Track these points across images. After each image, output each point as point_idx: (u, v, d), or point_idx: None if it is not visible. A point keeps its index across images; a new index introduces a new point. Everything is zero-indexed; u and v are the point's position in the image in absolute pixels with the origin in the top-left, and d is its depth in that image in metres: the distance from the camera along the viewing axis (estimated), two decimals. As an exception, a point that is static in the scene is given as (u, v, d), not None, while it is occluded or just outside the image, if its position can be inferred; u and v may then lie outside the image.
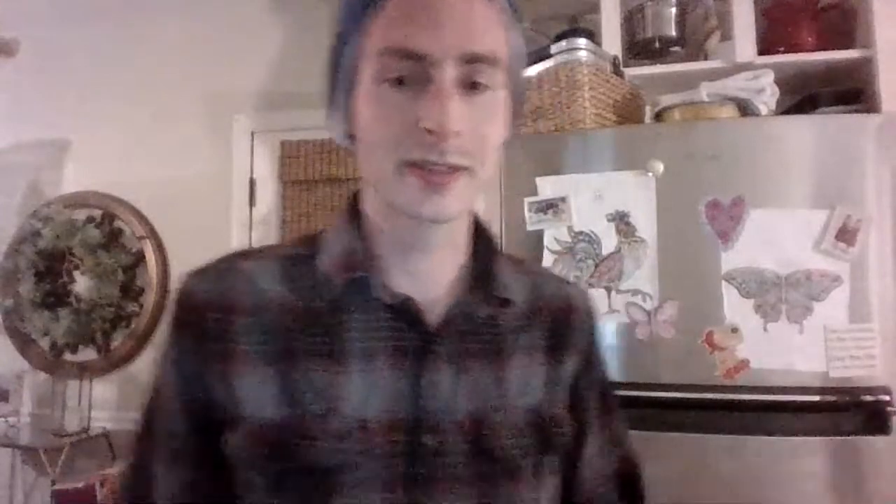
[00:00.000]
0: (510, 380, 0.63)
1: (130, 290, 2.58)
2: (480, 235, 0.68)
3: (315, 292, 0.60)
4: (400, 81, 0.54)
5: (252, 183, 2.50)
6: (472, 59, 0.54)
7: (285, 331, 0.59)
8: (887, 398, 1.23)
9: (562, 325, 0.69)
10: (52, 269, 2.63)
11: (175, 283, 0.63)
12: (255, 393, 0.57)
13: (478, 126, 0.55)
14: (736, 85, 1.48)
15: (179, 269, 2.96)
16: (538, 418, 0.63)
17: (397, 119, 0.54)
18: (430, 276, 0.62)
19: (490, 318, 0.63)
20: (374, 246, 0.62)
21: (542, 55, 1.58)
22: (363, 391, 0.57)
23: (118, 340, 2.59)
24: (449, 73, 0.53)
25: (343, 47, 0.59)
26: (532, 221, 1.41)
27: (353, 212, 0.65)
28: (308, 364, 0.58)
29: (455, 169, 0.55)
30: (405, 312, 0.59)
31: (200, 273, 0.63)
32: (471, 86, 0.55)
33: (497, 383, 0.62)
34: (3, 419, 2.53)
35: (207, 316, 0.59)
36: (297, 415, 0.56)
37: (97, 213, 2.64)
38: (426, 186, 0.55)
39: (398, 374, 0.58)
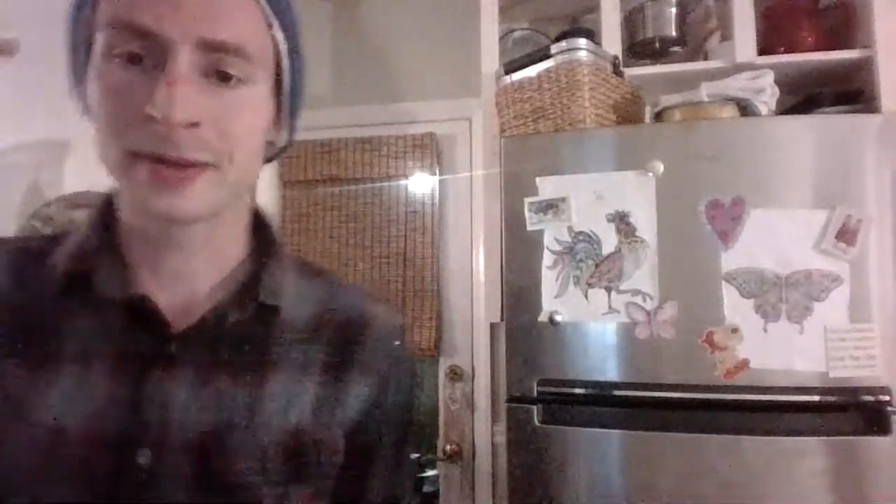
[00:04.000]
0: (266, 397, 0.55)
1: (130, 290, 2.58)
2: (261, 236, 0.62)
3: (37, 286, 0.54)
4: (130, 60, 0.48)
5: (252, 183, 2.50)
6: (215, 48, 0.49)
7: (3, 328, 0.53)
8: (887, 398, 1.23)
9: (350, 341, 0.62)
10: (52, 269, 2.63)
11: None
12: None
13: (223, 120, 0.50)
14: (736, 85, 1.48)
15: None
16: (296, 442, 0.56)
17: (124, 102, 0.48)
18: (185, 279, 0.56)
19: (250, 327, 0.57)
20: (122, 241, 0.56)
21: (542, 55, 1.58)
22: (66, 397, 0.50)
23: (118, 340, 2.59)
24: (184, 58, 0.48)
25: (77, 13, 0.53)
26: (532, 221, 1.41)
27: (107, 204, 0.59)
28: (9, 364, 0.51)
29: (192, 165, 0.49)
30: (138, 314, 0.53)
31: None
32: (220, 77, 0.50)
33: (246, 400, 0.54)
34: (3, 419, 2.53)
35: None
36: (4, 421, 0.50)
37: (97, 213, 2.63)
38: (155, 181, 0.48)
39: (117, 380, 0.52)
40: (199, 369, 0.54)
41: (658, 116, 1.55)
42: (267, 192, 2.50)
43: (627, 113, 1.59)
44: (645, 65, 1.79)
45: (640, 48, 1.82)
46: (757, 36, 1.66)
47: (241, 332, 0.56)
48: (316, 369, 0.59)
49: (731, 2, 1.68)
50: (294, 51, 0.56)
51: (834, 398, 1.24)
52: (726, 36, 1.73)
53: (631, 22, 1.82)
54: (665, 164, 1.33)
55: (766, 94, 1.47)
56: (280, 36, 0.54)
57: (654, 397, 1.31)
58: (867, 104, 1.59)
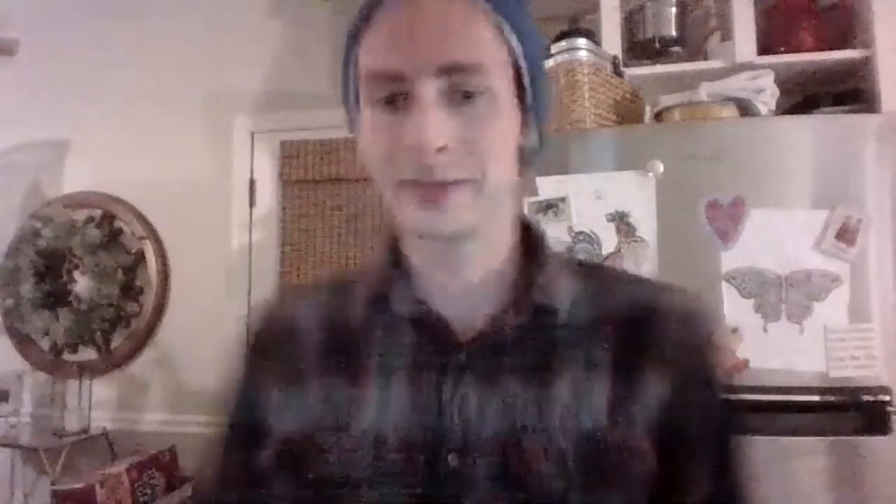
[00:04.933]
0: (556, 398, 0.55)
1: (130, 291, 2.58)
2: (528, 239, 0.64)
3: (350, 312, 0.62)
4: (388, 102, 0.53)
5: (252, 183, 2.50)
6: (451, 70, 0.52)
7: (321, 350, 0.61)
8: (887, 398, 1.23)
9: (637, 334, 0.59)
10: (52, 269, 2.63)
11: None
12: (284, 409, 0.59)
13: (470, 135, 0.52)
14: (736, 85, 1.48)
15: (179, 268, 2.95)
16: (596, 445, 0.54)
17: (386, 139, 0.53)
18: (466, 292, 0.60)
19: (530, 330, 0.58)
20: (409, 263, 0.62)
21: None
22: (379, 407, 0.57)
23: (118, 340, 2.59)
24: (428, 88, 0.52)
25: (344, 70, 0.59)
26: (532, 221, 1.41)
27: (394, 229, 0.65)
28: (330, 380, 0.59)
29: (451, 183, 0.53)
30: (428, 326, 0.58)
31: (272, 300, 0.69)
32: (462, 95, 0.52)
33: (536, 402, 0.55)
34: (3, 419, 2.53)
35: (271, 340, 0.64)
36: (311, 429, 0.57)
37: (97, 213, 2.64)
38: (421, 204, 0.53)
39: (418, 390, 0.57)
40: (488, 375, 0.56)
41: (658, 116, 1.55)
42: (267, 193, 2.50)
43: (627, 113, 1.59)
44: (645, 65, 1.79)
45: (640, 48, 1.82)
46: (757, 36, 1.66)
47: (521, 336, 0.58)
48: (605, 370, 0.58)
49: (731, 2, 1.68)
50: (531, 51, 0.57)
51: (834, 398, 1.24)
52: (726, 36, 1.73)
53: (631, 22, 1.82)
54: (665, 164, 1.33)
55: (766, 94, 1.47)
56: (514, 40, 0.55)
57: (654, 397, 1.31)
58: (867, 104, 1.59)
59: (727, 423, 0.64)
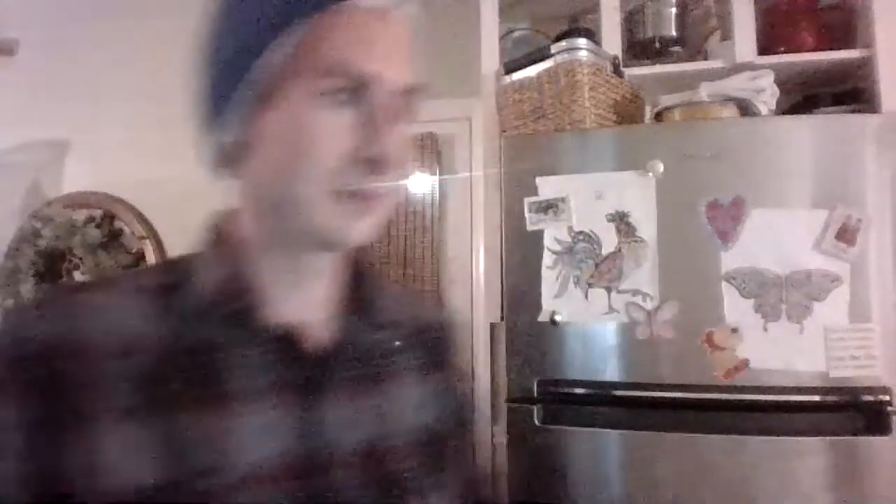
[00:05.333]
0: (396, 403, 0.61)
1: (130, 290, 2.58)
2: (355, 255, 0.65)
3: (186, 328, 0.53)
4: (334, 103, 0.51)
5: (252, 183, 2.50)
6: (406, 90, 0.54)
7: (154, 377, 0.50)
8: (887, 398, 1.23)
9: (437, 346, 0.70)
10: (52, 269, 2.63)
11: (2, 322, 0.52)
12: (123, 457, 0.48)
13: (399, 153, 0.53)
14: (736, 85, 1.48)
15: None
16: (429, 439, 0.62)
17: (333, 145, 0.51)
18: (315, 305, 0.59)
19: (372, 343, 0.62)
20: (254, 274, 0.57)
21: (542, 55, 1.58)
22: (252, 437, 0.52)
23: (118, 340, 2.59)
24: (388, 101, 0.52)
25: (253, 57, 0.52)
26: (532, 221, 1.41)
27: (224, 235, 0.60)
28: (184, 414, 0.50)
29: (380, 195, 0.54)
30: (287, 344, 0.55)
31: (37, 310, 0.53)
32: (397, 114, 0.54)
33: (383, 409, 0.60)
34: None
35: (53, 365, 0.48)
36: (174, 476, 0.48)
37: (97, 213, 2.64)
38: (357, 214, 0.53)
39: (287, 411, 0.54)
40: (342, 388, 0.57)
41: (658, 116, 1.55)
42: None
43: (627, 113, 1.59)
44: (645, 65, 1.79)
45: (640, 48, 1.82)
46: (757, 36, 1.66)
47: (366, 350, 0.61)
48: (423, 374, 0.66)
49: (731, 2, 1.68)
50: None
51: (834, 398, 1.24)
52: (726, 36, 1.73)
53: (631, 22, 1.82)
54: (665, 164, 1.33)
55: (766, 94, 1.47)
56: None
57: (654, 397, 1.31)
58: (867, 104, 1.59)
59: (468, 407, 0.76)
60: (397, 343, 0.64)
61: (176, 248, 2.58)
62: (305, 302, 0.59)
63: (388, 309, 0.64)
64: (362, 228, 0.54)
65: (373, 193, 0.53)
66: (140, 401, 0.49)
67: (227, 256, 0.58)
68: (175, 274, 0.57)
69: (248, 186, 0.57)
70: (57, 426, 0.48)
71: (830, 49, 1.64)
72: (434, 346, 0.69)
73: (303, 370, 0.56)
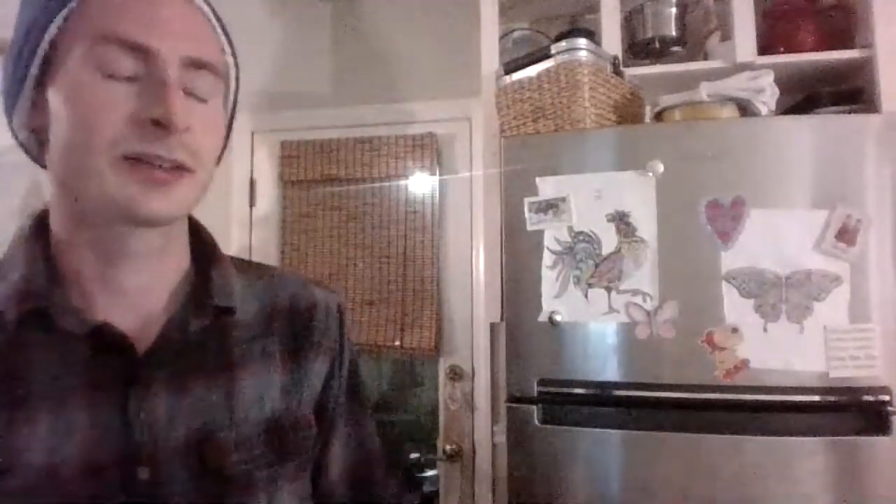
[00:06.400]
0: (240, 392, 0.59)
1: (130, 290, 2.58)
2: (199, 240, 0.65)
3: None
4: (114, 73, 0.51)
5: (252, 183, 2.50)
6: (197, 65, 0.54)
7: None
8: (887, 398, 1.23)
9: (302, 327, 0.67)
10: (52, 269, 2.63)
11: None
12: None
13: (201, 134, 0.54)
14: (736, 85, 1.48)
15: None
16: (275, 427, 0.61)
17: (116, 111, 0.50)
18: (142, 292, 0.57)
19: (211, 331, 0.59)
20: (65, 265, 0.55)
21: (542, 55, 1.58)
22: (53, 437, 0.50)
23: (118, 340, 2.59)
24: (174, 72, 0.52)
25: (31, 30, 0.53)
26: (532, 221, 1.41)
27: (39, 230, 0.58)
28: None
29: (179, 167, 0.53)
30: (100, 339, 0.53)
31: None
32: (197, 91, 0.54)
33: (223, 399, 0.58)
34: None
35: None
36: None
37: (97, 213, 2.64)
38: (148, 183, 0.51)
39: (98, 410, 0.52)
40: (174, 381, 0.56)
41: (658, 116, 1.55)
42: (267, 193, 2.50)
43: (627, 113, 1.59)
44: (645, 65, 1.79)
45: (640, 48, 1.82)
46: (757, 36, 1.66)
47: (203, 338, 0.59)
48: (278, 359, 0.63)
49: (731, 2, 1.68)
50: (237, 73, 0.64)
51: (834, 398, 1.24)
52: (726, 36, 1.73)
53: (631, 22, 1.82)
54: (665, 164, 1.33)
55: (766, 94, 1.47)
56: (231, 59, 0.61)
57: (654, 397, 1.31)
58: (867, 104, 1.59)
59: (359, 389, 0.74)
60: (239, 332, 0.61)
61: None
62: (128, 293, 0.56)
63: (233, 295, 0.62)
64: (160, 201, 0.52)
65: (168, 162, 0.52)
66: None
67: (39, 248, 0.56)
68: None
69: (52, 170, 0.56)
70: None
71: (830, 49, 1.64)
72: (290, 331, 0.66)
73: (117, 367, 0.54)
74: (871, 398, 1.23)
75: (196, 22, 0.55)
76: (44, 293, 0.53)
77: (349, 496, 0.71)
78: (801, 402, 1.25)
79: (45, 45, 0.52)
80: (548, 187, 1.40)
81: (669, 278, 1.32)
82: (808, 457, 1.24)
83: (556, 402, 1.36)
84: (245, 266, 0.68)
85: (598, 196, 1.37)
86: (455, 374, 2.20)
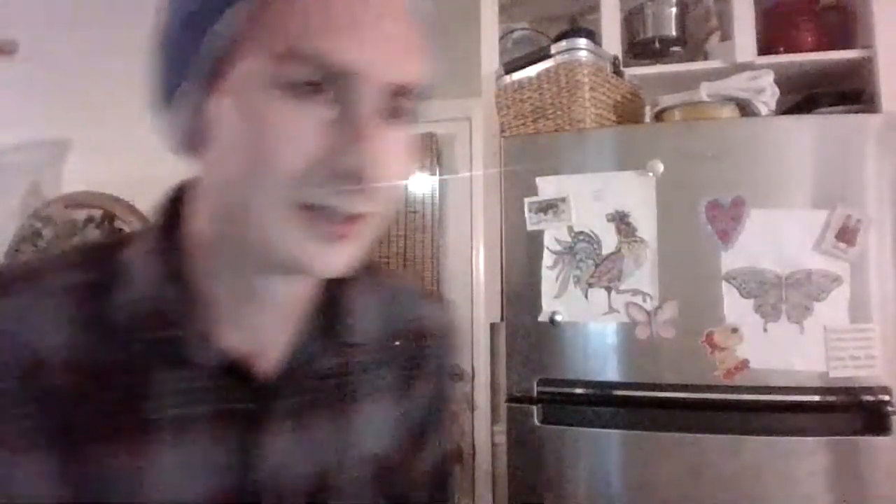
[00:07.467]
0: (359, 429, 0.54)
1: (130, 290, 2.58)
2: None
3: (112, 345, 0.45)
4: (298, 93, 0.41)
5: (252, 183, 2.50)
6: (398, 90, 0.43)
7: (68, 400, 0.43)
8: (887, 398, 1.23)
9: (417, 354, 0.60)
10: (52, 269, 2.63)
11: None
12: (27, 489, 0.42)
13: (390, 165, 0.43)
14: (736, 85, 1.48)
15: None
16: (384, 465, 0.55)
17: (300, 149, 0.41)
18: (271, 324, 0.51)
19: (334, 367, 0.53)
20: (199, 285, 0.48)
21: (542, 55, 1.58)
22: (178, 473, 0.45)
23: (118, 340, 2.59)
24: (374, 101, 0.42)
25: (200, 33, 0.42)
26: (532, 221, 1.41)
27: (171, 226, 0.49)
28: (101, 445, 0.44)
29: (360, 217, 0.44)
30: (228, 368, 0.48)
31: None
32: (391, 118, 0.44)
33: (343, 436, 0.53)
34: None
35: None
36: None
37: (97, 213, 2.64)
38: (326, 238, 0.43)
39: (223, 445, 0.47)
40: (294, 418, 0.50)
41: (658, 116, 1.55)
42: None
43: (627, 113, 1.59)
44: (645, 65, 1.79)
45: (640, 48, 1.82)
46: (757, 36, 1.66)
47: (325, 373, 0.53)
48: (388, 392, 0.57)
49: (731, 2, 1.68)
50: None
51: (834, 398, 1.24)
52: (726, 36, 1.73)
53: (631, 22, 1.82)
54: (665, 164, 1.33)
55: (766, 94, 1.47)
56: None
57: (654, 397, 1.31)
58: (867, 104, 1.59)
59: (447, 416, 0.68)
60: (365, 363, 0.55)
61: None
62: (259, 326, 0.50)
63: (363, 326, 0.55)
64: (333, 257, 0.44)
65: (348, 215, 0.43)
66: (47, 425, 0.43)
67: (173, 255, 0.48)
68: (107, 270, 0.48)
69: (208, 178, 0.47)
70: None
71: (830, 49, 1.64)
72: (405, 357, 0.59)
73: (243, 399, 0.48)
74: (871, 398, 1.23)
75: (406, 34, 0.44)
76: (178, 319, 0.46)
77: (423, 496, 0.65)
78: (801, 402, 1.25)
79: (209, 48, 0.42)
80: (548, 187, 1.40)
81: (669, 278, 1.32)
82: (808, 457, 1.24)
83: (556, 402, 1.36)
84: (368, 274, 0.58)
85: (598, 196, 1.37)
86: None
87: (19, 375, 0.43)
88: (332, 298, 0.54)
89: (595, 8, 1.81)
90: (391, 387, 0.58)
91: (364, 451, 0.54)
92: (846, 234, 1.26)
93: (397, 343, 0.59)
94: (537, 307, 1.38)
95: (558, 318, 1.36)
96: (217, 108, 0.43)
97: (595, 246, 1.37)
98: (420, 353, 0.61)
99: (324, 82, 0.41)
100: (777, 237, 1.28)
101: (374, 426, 0.55)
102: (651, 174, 1.34)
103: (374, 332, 0.57)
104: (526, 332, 1.39)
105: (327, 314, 0.53)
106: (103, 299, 0.46)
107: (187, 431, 0.46)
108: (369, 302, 0.57)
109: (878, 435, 1.22)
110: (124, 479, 0.44)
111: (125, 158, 2.63)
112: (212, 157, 0.45)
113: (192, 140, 0.46)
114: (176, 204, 0.51)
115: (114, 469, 0.43)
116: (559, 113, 1.50)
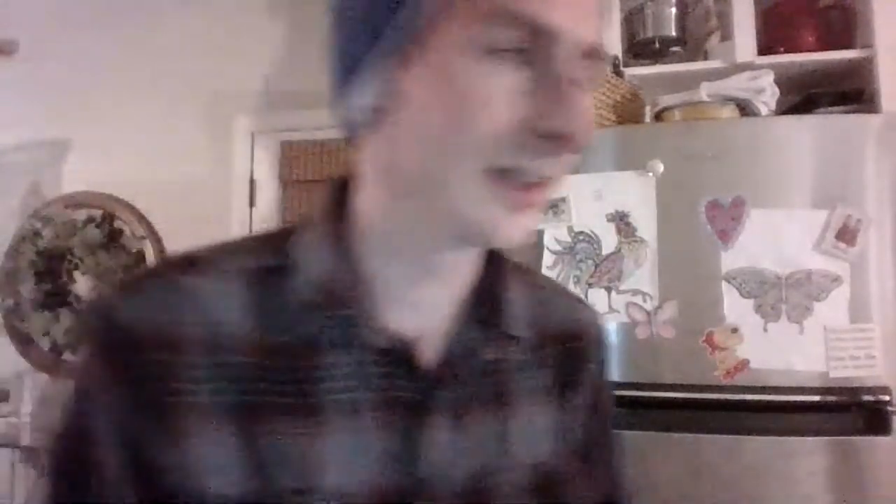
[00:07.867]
0: (515, 431, 0.51)
1: (130, 290, 2.58)
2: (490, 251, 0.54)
3: (286, 325, 0.46)
4: (505, 60, 0.40)
5: (252, 183, 2.50)
6: (590, 52, 0.42)
7: (246, 376, 0.44)
8: (887, 398, 1.23)
9: (572, 358, 0.57)
10: (52, 269, 2.63)
11: (92, 304, 0.47)
12: (211, 459, 0.43)
13: (592, 127, 0.43)
14: (736, 85, 1.48)
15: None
16: (546, 475, 0.52)
17: (501, 111, 0.40)
18: (436, 306, 0.49)
19: (493, 361, 0.51)
20: (368, 266, 0.48)
21: (542, 55, 1.58)
22: (346, 457, 0.45)
23: (118, 340, 2.59)
24: (574, 62, 0.41)
25: (393, 4, 0.42)
26: (532, 221, 1.40)
27: (338, 214, 0.50)
28: (275, 422, 0.44)
29: (548, 181, 0.43)
30: (394, 353, 0.47)
31: (132, 293, 0.47)
32: (583, 78, 0.43)
33: (500, 437, 0.50)
34: (3, 419, 2.53)
35: (148, 356, 0.43)
36: (263, 490, 0.43)
37: (97, 213, 2.64)
38: (516, 204, 0.42)
39: (388, 433, 0.46)
40: (455, 412, 0.48)
41: (658, 116, 1.55)
42: (267, 193, 2.50)
43: (627, 113, 1.59)
44: (645, 65, 1.79)
45: (640, 48, 1.82)
46: (757, 36, 1.66)
47: (486, 366, 0.51)
48: (546, 395, 0.55)
49: (731, 2, 1.68)
50: None
51: (834, 398, 1.24)
52: (726, 36, 1.73)
53: (631, 22, 1.82)
54: (665, 164, 1.33)
55: (766, 94, 1.47)
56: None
57: (654, 397, 1.31)
58: (867, 104, 1.59)
59: (612, 425, 0.65)
60: (521, 361, 0.53)
61: (176, 247, 2.58)
62: (424, 306, 0.49)
63: (523, 319, 0.53)
64: (520, 224, 0.43)
65: (539, 180, 0.42)
66: (229, 400, 0.44)
67: (343, 240, 0.48)
68: (279, 254, 0.48)
69: (381, 159, 0.46)
70: (146, 420, 0.43)
71: (830, 49, 1.64)
72: (562, 360, 0.56)
73: (409, 387, 0.47)
74: (871, 398, 1.23)
75: None
76: (350, 298, 0.46)
77: None
78: (801, 402, 1.25)
79: (410, 17, 0.41)
80: (548, 187, 1.40)
81: (669, 278, 1.32)
82: (808, 457, 1.24)
83: (556, 402, 1.36)
84: (522, 274, 0.57)
85: (598, 196, 1.37)
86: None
87: (203, 350, 0.44)
88: (490, 286, 0.52)
89: (595, 8, 1.81)
90: (547, 391, 0.54)
91: (521, 456, 0.51)
92: (846, 234, 1.26)
93: (549, 345, 0.55)
94: (537, 307, 1.38)
95: (558, 318, 1.36)
96: (410, 79, 0.42)
97: (595, 246, 1.37)
98: (577, 359, 0.57)
99: (527, 43, 0.40)
100: (777, 237, 1.28)
101: (531, 430, 0.52)
102: (651, 174, 1.34)
103: (532, 327, 0.54)
104: (526, 332, 1.39)
105: (485, 302, 0.51)
106: (277, 283, 0.47)
107: (355, 416, 0.45)
108: (527, 295, 0.55)
109: (878, 435, 1.22)
110: (295, 460, 0.44)
111: (125, 158, 2.63)
112: (397, 132, 0.44)
113: (373, 117, 0.45)
114: (341, 192, 0.52)
115: (285, 449, 0.44)
116: (559, 113, 1.49)
